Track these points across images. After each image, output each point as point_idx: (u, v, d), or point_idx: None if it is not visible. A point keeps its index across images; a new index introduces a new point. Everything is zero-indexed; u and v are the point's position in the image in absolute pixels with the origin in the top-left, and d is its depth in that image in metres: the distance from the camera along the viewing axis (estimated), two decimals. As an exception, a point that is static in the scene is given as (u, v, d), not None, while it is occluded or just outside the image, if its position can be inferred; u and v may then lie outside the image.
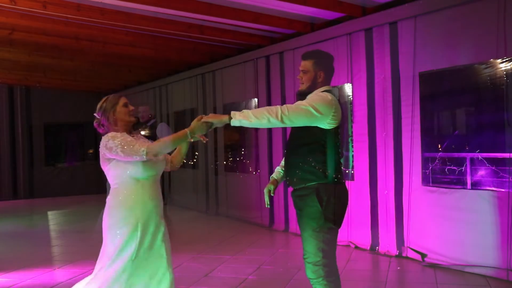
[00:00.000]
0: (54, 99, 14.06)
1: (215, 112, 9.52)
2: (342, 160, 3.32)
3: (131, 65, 10.60)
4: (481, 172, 5.18)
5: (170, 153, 3.40)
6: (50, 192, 13.78)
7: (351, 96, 6.53)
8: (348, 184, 6.37)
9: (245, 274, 5.37)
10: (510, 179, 4.80)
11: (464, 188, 5.28)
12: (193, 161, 10.44)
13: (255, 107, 8.41)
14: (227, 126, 3.00)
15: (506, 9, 4.80)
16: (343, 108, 6.53)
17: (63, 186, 14.12)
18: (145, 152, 2.93)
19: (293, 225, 7.46)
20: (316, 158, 3.10)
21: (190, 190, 10.60)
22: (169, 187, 11.45)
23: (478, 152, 5.16)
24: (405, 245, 5.83)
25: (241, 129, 8.89)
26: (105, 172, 3.14)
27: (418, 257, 5.65)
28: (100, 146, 3.08)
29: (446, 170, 5.49)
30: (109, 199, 3.14)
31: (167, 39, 8.04)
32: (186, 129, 3.00)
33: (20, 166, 13.63)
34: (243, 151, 9.13)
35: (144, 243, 3.06)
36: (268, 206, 3.43)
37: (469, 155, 5.27)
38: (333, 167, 3.11)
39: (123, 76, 12.10)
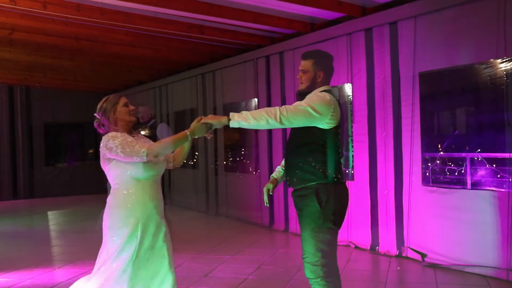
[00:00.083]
0: (54, 99, 14.06)
1: (215, 112, 9.52)
2: (342, 160, 3.32)
3: (131, 65, 10.60)
4: (481, 172, 5.18)
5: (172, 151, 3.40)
6: (50, 192, 13.78)
7: (351, 96, 6.53)
8: (348, 184, 6.36)
9: (245, 274, 5.37)
10: (510, 179, 4.80)
11: (464, 188, 5.28)
12: (193, 161, 10.44)
13: (255, 107, 8.41)
14: (227, 126, 3.00)
15: (506, 9, 4.80)
16: (343, 108, 6.57)
17: (63, 186, 14.12)
18: (145, 153, 2.93)
19: (293, 225, 7.46)
20: (316, 158, 3.10)
21: (190, 190, 10.61)
22: (169, 187, 11.45)
23: (478, 152, 5.16)
24: (405, 245, 5.83)
25: (241, 129, 8.87)
26: (106, 172, 3.14)
27: (418, 257, 5.65)
28: (100, 146, 3.08)
29: (446, 170, 5.49)
30: (109, 199, 3.13)
31: (167, 39, 8.04)
32: (186, 131, 3.01)
33: (20, 166, 13.63)
34: (243, 151, 9.13)
35: (145, 243, 3.05)
36: (267, 205, 3.43)
37: (469, 155, 5.27)
38: (333, 167, 3.11)
39: (123, 76, 12.10)
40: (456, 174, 5.39)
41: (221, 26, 7.37)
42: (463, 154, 5.34)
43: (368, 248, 6.26)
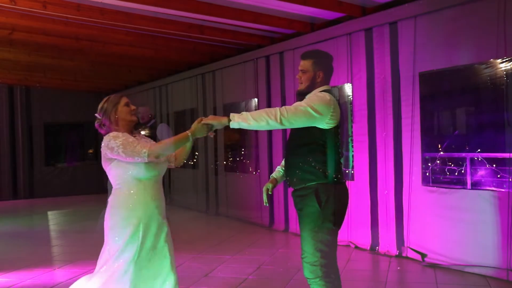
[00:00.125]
0: (54, 99, 14.06)
1: (215, 112, 9.52)
2: (342, 160, 3.32)
3: (131, 65, 10.60)
4: (481, 172, 5.18)
5: None
6: (50, 192, 13.78)
7: (351, 96, 6.53)
8: (348, 184, 6.37)
9: (245, 274, 5.37)
10: (510, 179, 4.80)
11: (464, 188, 5.28)
12: (193, 161, 10.44)
13: (255, 107, 8.41)
14: (228, 126, 3.00)
15: (506, 9, 4.80)
16: (343, 108, 6.57)
17: (63, 186, 14.13)
18: (146, 153, 2.92)
19: (293, 225, 7.46)
20: (316, 158, 3.09)
21: (190, 190, 10.61)
22: (169, 187, 11.44)
23: (478, 152, 5.16)
24: (405, 245, 5.83)
25: (241, 129, 8.84)
26: (107, 172, 3.13)
27: (418, 257, 5.65)
28: (101, 146, 3.07)
29: (446, 170, 5.49)
30: (110, 199, 3.13)
31: (167, 39, 8.04)
32: (187, 132, 3.01)
33: (20, 166, 13.63)
34: (243, 151, 9.13)
35: (146, 243, 3.05)
36: (267, 205, 3.43)
37: (469, 155, 5.27)
38: (333, 167, 3.11)
39: (123, 76, 12.10)
40: (456, 174, 5.39)
41: (221, 26, 7.37)
42: (463, 154, 5.34)
43: (368, 248, 6.26)
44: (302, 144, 3.13)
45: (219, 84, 9.53)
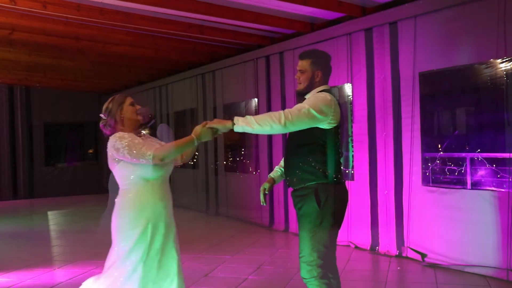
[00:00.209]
0: (54, 99, 14.07)
1: (215, 112, 9.53)
2: (342, 160, 3.31)
3: (131, 65, 10.60)
4: (481, 172, 5.18)
5: None
6: (50, 192, 13.79)
7: (351, 96, 6.53)
8: (348, 184, 6.37)
9: (245, 274, 5.37)
10: (510, 179, 4.80)
11: (464, 188, 5.28)
12: (193, 161, 10.44)
13: (255, 107, 8.42)
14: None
15: (506, 9, 4.79)
16: (343, 108, 6.54)
17: (63, 186, 14.13)
18: (151, 156, 2.91)
19: (293, 225, 7.46)
20: (316, 158, 3.09)
21: (190, 190, 10.60)
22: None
23: (478, 152, 5.16)
24: (405, 245, 5.83)
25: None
26: (114, 173, 3.12)
27: (418, 257, 5.64)
28: (108, 146, 3.06)
29: (446, 170, 5.49)
30: (118, 200, 3.11)
31: (167, 39, 8.04)
32: (192, 135, 2.98)
33: (20, 166, 13.64)
34: (243, 151, 9.13)
35: (155, 244, 3.04)
36: (264, 204, 3.42)
37: (469, 155, 5.27)
38: (333, 167, 3.11)
39: (123, 76, 12.10)
40: (456, 174, 5.39)
41: (221, 26, 7.37)
42: (463, 154, 5.34)
43: (368, 248, 6.26)
44: (302, 144, 3.13)
45: (219, 84, 9.53)
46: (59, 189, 13.95)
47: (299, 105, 3.06)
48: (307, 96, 3.24)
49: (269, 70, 8.11)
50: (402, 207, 5.86)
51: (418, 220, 5.67)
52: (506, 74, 4.84)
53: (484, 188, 5.12)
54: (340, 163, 3.20)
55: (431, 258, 5.49)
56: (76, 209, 11.42)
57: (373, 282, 5.15)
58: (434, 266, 5.42)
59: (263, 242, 7.18)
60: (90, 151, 15.21)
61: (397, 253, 5.90)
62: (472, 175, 5.25)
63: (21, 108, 13.67)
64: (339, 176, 3.15)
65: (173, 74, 11.15)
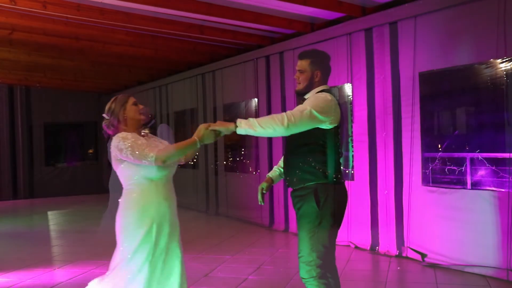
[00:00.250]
0: (54, 99, 14.07)
1: (215, 112, 9.53)
2: (341, 160, 3.31)
3: (131, 65, 10.60)
4: (481, 172, 5.18)
5: None
6: (50, 192, 13.78)
7: (351, 96, 6.53)
8: (348, 184, 6.37)
9: (245, 274, 5.37)
10: (510, 179, 4.80)
11: (464, 188, 5.28)
12: (193, 161, 10.44)
13: (255, 107, 8.42)
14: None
15: (506, 9, 4.79)
16: (343, 108, 6.55)
17: (63, 186, 14.13)
18: (153, 158, 2.90)
19: (293, 225, 7.46)
20: (316, 158, 3.09)
21: (190, 190, 10.60)
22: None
23: (478, 152, 5.16)
24: (405, 245, 5.83)
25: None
26: (117, 173, 3.11)
27: (418, 257, 5.65)
28: (111, 146, 3.06)
29: (446, 170, 5.49)
30: (122, 200, 3.10)
31: (167, 39, 8.04)
32: (195, 137, 2.97)
33: (20, 166, 13.63)
34: (243, 151, 9.13)
35: (160, 243, 3.04)
36: (261, 204, 3.41)
37: (469, 155, 5.27)
38: (333, 167, 3.10)
39: (123, 76, 12.10)
40: (456, 174, 5.39)
41: (221, 26, 7.37)
42: (463, 154, 5.34)
43: (368, 248, 6.26)
44: (302, 144, 3.12)
45: (219, 84, 9.53)
46: (59, 189, 13.95)
47: (300, 107, 3.04)
48: (306, 96, 3.24)
49: (269, 70, 8.11)
50: (402, 207, 5.86)
51: (418, 220, 5.67)
52: (506, 74, 4.84)
53: (484, 188, 5.12)
54: (339, 163, 3.20)
55: (431, 258, 5.49)
56: (76, 209, 11.42)
57: (373, 282, 5.15)
58: (434, 266, 5.42)
59: (263, 242, 7.18)
60: (90, 151, 15.20)
61: (397, 253, 5.90)
62: (472, 175, 5.25)
63: (21, 108, 13.66)
64: (339, 176, 3.15)
65: (173, 74, 11.15)
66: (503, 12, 4.81)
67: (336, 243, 3.23)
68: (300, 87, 3.28)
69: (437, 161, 5.55)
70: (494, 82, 4.97)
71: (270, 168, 7.96)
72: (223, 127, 2.97)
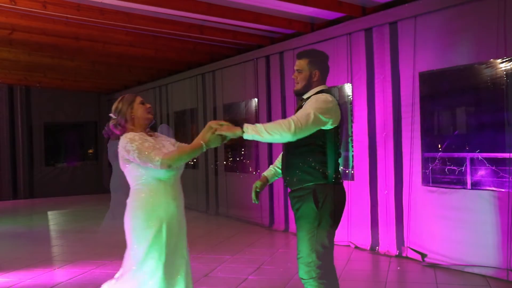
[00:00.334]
0: (54, 99, 14.06)
1: (215, 112, 9.53)
2: (340, 160, 3.31)
3: (131, 65, 10.61)
4: (481, 172, 5.18)
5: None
6: (50, 192, 13.78)
7: (351, 96, 6.53)
8: (348, 184, 6.37)
9: (245, 274, 5.37)
10: (510, 179, 4.80)
11: (464, 188, 5.28)
12: (193, 161, 10.44)
13: (255, 107, 8.42)
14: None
15: (506, 9, 4.79)
16: (343, 108, 6.55)
17: (63, 186, 14.12)
18: (159, 162, 2.88)
19: (293, 225, 7.39)
20: (316, 158, 3.08)
21: (190, 190, 10.59)
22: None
23: (478, 152, 5.16)
24: (405, 245, 5.83)
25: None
26: (125, 173, 3.10)
27: (418, 257, 5.65)
28: (118, 147, 3.04)
29: (446, 170, 5.49)
30: (130, 200, 3.08)
31: (167, 39, 8.04)
32: (201, 141, 2.96)
33: (20, 166, 13.63)
34: (243, 151, 9.13)
35: (170, 244, 3.03)
36: (255, 202, 3.40)
37: (469, 155, 5.27)
38: (333, 167, 3.10)
39: (123, 76, 12.11)
40: (456, 174, 5.39)
41: (221, 26, 7.38)
42: (463, 154, 5.34)
43: (368, 248, 6.26)
44: (302, 144, 3.10)
45: (219, 84, 9.53)
46: (59, 189, 13.95)
47: (304, 111, 3.00)
48: (305, 96, 3.24)
49: (269, 70, 8.11)
50: (402, 207, 5.86)
51: (418, 220, 5.67)
52: (506, 74, 4.84)
53: (484, 188, 5.12)
54: (338, 164, 3.19)
55: (431, 258, 5.49)
56: (76, 209, 11.42)
57: (373, 282, 5.15)
58: (434, 266, 5.42)
59: (263, 242, 7.18)
60: (90, 151, 15.20)
61: (397, 253, 5.90)
62: (472, 175, 5.25)
63: (21, 108, 13.66)
64: (338, 176, 3.15)
65: (173, 74, 11.15)
66: (503, 12, 4.81)
67: (336, 243, 3.23)
68: (298, 87, 3.28)
69: (437, 161, 5.55)
70: (494, 82, 4.97)
71: (270, 168, 7.96)
72: (230, 132, 2.94)
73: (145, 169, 2.99)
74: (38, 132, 13.99)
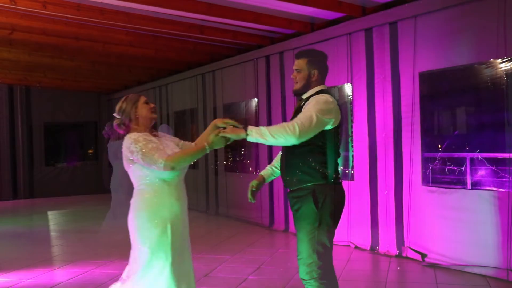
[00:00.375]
0: (54, 99, 14.06)
1: (215, 112, 9.53)
2: (340, 160, 3.30)
3: (131, 65, 10.60)
4: (481, 172, 5.18)
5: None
6: (50, 192, 13.78)
7: (351, 96, 6.53)
8: (348, 184, 6.37)
9: (245, 274, 5.37)
10: (510, 179, 4.80)
11: (464, 188, 5.28)
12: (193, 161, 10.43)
13: (255, 107, 8.42)
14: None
15: (506, 9, 4.79)
16: (343, 108, 6.57)
17: (63, 186, 14.12)
18: (162, 164, 2.89)
19: (293, 225, 7.44)
20: (316, 158, 3.08)
21: (190, 190, 10.49)
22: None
23: (478, 152, 5.16)
24: (405, 245, 5.83)
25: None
26: (129, 173, 3.09)
27: (418, 257, 5.65)
28: (123, 147, 3.04)
29: (446, 170, 5.49)
30: (134, 201, 3.08)
31: (167, 39, 8.04)
32: (204, 143, 2.98)
33: (20, 166, 13.63)
34: (243, 151, 9.13)
35: (176, 244, 3.03)
36: (252, 201, 3.39)
37: (469, 155, 5.27)
38: (332, 167, 3.10)
39: (123, 76, 12.11)
40: (456, 174, 5.39)
41: (221, 26, 7.38)
42: (463, 154, 5.34)
43: (368, 248, 6.26)
44: (302, 144, 3.08)
45: (219, 84, 9.53)
46: (59, 189, 13.94)
47: (306, 114, 2.99)
48: (304, 96, 3.23)
49: (269, 70, 8.11)
50: (402, 207, 5.86)
51: (418, 220, 5.67)
52: (506, 74, 4.84)
53: (484, 188, 5.12)
54: (337, 164, 3.19)
55: (431, 258, 5.49)
56: (76, 209, 11.42)
57: (373, 282, 5.15)
58: (434, 266, 5.42)
59: (263, 242, 7.18)
60: (90, 151, 15.20)
61: (397, 253, 5.90)
62: (472, 175, 5.25)
63: (21, 108, 13.66)
64: (338, 176, 3.15)
65: (173, 74, 11.15)
66: (503, 12, 4.81)
67: (336, 243, 3.24)
68: (297, 86, 3.27)
69: (437, 161, 5.55)
70: (494, 82, 4.97)
71: (270, 168, 7.96)
72: (234, 134, 2.95)
73: (149, 169, 2.99)
74: (38, 132, 13.99)
